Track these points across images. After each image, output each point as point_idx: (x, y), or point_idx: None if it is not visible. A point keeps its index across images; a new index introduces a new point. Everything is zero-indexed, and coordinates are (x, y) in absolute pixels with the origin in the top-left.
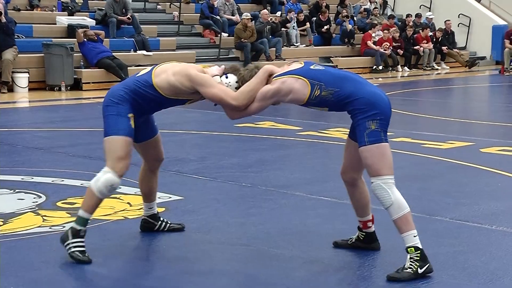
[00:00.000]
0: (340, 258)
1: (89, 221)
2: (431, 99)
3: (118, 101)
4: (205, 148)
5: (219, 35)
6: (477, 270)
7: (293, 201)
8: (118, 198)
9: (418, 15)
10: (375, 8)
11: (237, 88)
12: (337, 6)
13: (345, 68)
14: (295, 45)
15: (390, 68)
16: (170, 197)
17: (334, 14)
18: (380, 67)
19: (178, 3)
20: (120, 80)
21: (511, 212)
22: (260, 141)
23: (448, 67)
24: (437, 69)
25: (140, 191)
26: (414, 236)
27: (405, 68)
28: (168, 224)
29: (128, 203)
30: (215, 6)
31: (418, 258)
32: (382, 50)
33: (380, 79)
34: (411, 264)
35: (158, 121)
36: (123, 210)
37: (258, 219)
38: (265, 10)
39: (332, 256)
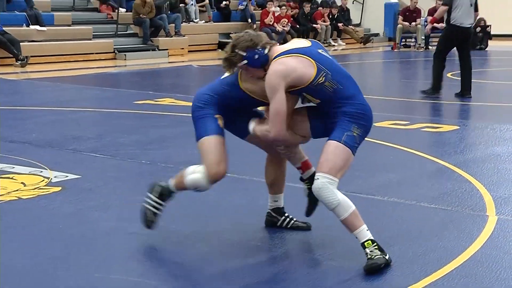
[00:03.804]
0: (239, 233)
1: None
2: None
3: (203, 105)
4: (103, 125)
5: (116, 11)
6: None
7: None
8: (11, 178)
9: None
10: None
11: None
12: None
13: None
14: (194, 21)
15: None
16: (67, 176)
17: None
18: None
19: None
20: (12, 56)
21: (401, 184)
22: (160, 118)
23: (344, 44)
24: (334, 45)
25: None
26: (367, 230)
27: None
28: (292, 221)
29: (22, 183)
30: None
31: (377, 249)
32: (280, 27)
33: None
34: (374, 253)
35: (55, 99)
36: (16, 191)
37: None
38: None
39: (231, 231)
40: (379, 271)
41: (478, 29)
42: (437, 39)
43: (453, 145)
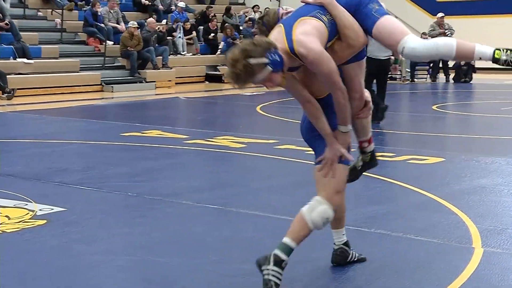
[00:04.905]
0: (226, 265)
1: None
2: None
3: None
4: (90, 157)
5: (104, 43)
6: (356, 272)
7: (179, 209)
8: None
9: None
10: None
11: None
12: (222, 16)
13: None
14: (182, 54)
15: None
16: (52, 209)
17: (220, 23)
18: None
19: (60, 10)
20: None
21: (388, 216)
22: (147, 150)
23: None
24: None
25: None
26: (482, 45)
27: None
28: (357, 254)
29: (6, 216)
30: (99, 13)
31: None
32: None
33: None
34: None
35: (41, 131)
36: (0, 224)
37: (143, 228)
38: (152, 19)
39: (217, 263)
40: None
41: (463, 62)
42: (422, 72)
43: (439, 177)
